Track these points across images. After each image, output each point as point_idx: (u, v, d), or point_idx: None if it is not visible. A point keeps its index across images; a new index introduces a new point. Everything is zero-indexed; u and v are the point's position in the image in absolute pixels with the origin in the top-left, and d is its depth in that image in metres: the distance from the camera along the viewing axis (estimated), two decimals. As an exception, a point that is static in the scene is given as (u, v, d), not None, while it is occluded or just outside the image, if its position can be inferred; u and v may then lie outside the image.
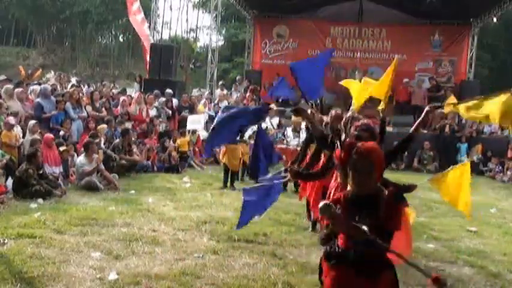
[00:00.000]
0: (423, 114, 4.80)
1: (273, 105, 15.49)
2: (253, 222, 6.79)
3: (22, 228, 5.92)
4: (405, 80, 17.57)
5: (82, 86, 15.31)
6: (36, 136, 8.92)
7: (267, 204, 5.63)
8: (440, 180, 5.20)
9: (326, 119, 6.58)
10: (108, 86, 16.36)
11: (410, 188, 4.60)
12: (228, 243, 5.94)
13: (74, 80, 15.13)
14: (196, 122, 13.59)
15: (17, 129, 9.04)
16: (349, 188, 4.40)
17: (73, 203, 7.65)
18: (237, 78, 20.07)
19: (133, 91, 16.14)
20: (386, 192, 2.82)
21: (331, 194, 5.33)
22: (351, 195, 2.87)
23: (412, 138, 4.55)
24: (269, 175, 5.99)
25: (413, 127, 4.61)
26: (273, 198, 5.64)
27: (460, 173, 5.04)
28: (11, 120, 8.83)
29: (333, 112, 6.04)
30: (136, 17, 18.19)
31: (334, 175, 5.28)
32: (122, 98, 12.87)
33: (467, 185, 5.00)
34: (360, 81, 6.48)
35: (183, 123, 13.94)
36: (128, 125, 11.81)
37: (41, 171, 8.16)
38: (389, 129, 15.53)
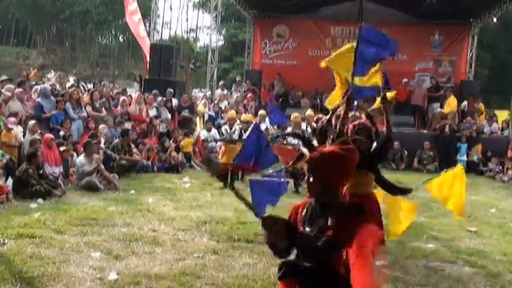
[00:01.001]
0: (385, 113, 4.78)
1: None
2: (253, 222, 6.80)
3: (22, 228, 5.92)
4: (405, 80, 17.58)
5: (84, 85, 15.32)
6: (36, 136, 8.93)
7: (277, 197, 5.59)
8: (434, 182, 5.19)
9: (324, 118, 6.61)
10: (107, 86, 16.36)
11: (405, 191, 4.62)
12: (228, 243, 5.94)
13: (72, 80, 15.12)
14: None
15: (17, 129, 9.04)
16: None
17: (73, 203, 7.65)
18: (237, 78, 20.08)
19: (134, 91, 16.14)
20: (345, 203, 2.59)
21: None
22: (310, 203, 2.64)
23: (390, 140, 4.57)
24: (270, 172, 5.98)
25: (386, 127, 4.64)
26: (279, 195, 5.63)
27: (453, 175, 5.01)
28: (11, 121, 8.84)
29: (337, 111, 6.07)
30: (133, 17, 18.14)
31: None
32: (121, 98, 12.88)
33: (461, 186, 4.95)
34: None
35: (183, 123, 13.97)
36: (128, 125, 11.81)
37: (41, 171, 8.17)
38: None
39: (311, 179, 2.57)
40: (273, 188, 5.46)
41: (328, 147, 2.69)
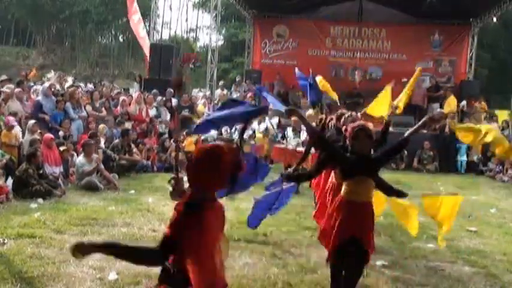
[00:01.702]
0: (421, 122, 4.65)
1: (270, 106, 15.53)
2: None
3: (22, 228, 5.92)
4: (404, 80, 17.56)
5: (83, 85, 15.31)
6: (36, 136, 8.93)
7: (280, 205, 5.67)
8: (432, 201, 5.16)
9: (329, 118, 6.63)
10: (107, 86, 16.37)
11: (401, 194, 4.61)
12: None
13: (70, 80, 15.11)
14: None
15: (17, 129, 9.04)
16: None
17: (73, 203, 7.65)
18: (237, 79, 20.08)
19: (134, 91, 16.15)
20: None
21: (327, 194, 5.37)
22: None
23: (407, 143, 4.44)
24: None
25: (410, 132, 4.49)
26: (284, 201, 5.68)
27: (452, 204, 4.98)
28: (11, 120, 8.84)
29: (338, 112, 6.10)
30: (133, 16, 18.20)
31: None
32: (121, 98, 12.88)
33: (453, 216, 4.95)
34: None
35: (183, 123, 13.96)
36: (128, 125, 11.81)
37: (41, 171, 8.17)
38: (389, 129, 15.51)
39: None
40: (277, 198, 5.54)
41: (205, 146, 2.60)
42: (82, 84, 15.50)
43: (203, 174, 2.39)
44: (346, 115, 5.76)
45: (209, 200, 2.42)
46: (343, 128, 5.28)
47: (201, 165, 2.40)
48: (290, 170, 6.65)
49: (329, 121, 6.52)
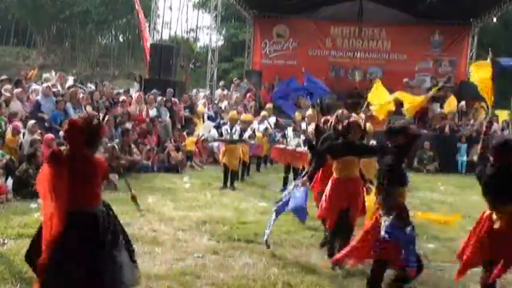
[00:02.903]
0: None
1: (269, 105, 15.53)
2: (253, 222, 6.82)
3: (22, 228, 5.93)
4: (405, 79, 17.58)
5: (83, 85, 15.29)
6: (36, 136, 8.93)
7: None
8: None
9: (330, 119, 6.65)
10: (108, 86, 16.35)
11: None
12: (228, 243, 5.94)
13: (71, 80, 15.08)
14: (206, 129, 13.71)
15: (17, 129, 9.05)
16: None
17: (73, 203, 7.64)
18: (235, 80, 20.07)
19: (134, 91, 16.13)
20: None
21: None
22: None
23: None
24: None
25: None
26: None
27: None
28: (19, 126, 8.86)
29: (339, 112, 6.11)
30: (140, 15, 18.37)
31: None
32: (121, 98, 12.87)
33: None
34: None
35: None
36: (128, 125, 11.80)
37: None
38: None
39: None
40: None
41: None
42: (82, 85, 15.48)
43: (69, 138, 3.88)
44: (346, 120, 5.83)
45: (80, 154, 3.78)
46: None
47: (66, 133, 3.95)
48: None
49: (328, 121, 6.54)
